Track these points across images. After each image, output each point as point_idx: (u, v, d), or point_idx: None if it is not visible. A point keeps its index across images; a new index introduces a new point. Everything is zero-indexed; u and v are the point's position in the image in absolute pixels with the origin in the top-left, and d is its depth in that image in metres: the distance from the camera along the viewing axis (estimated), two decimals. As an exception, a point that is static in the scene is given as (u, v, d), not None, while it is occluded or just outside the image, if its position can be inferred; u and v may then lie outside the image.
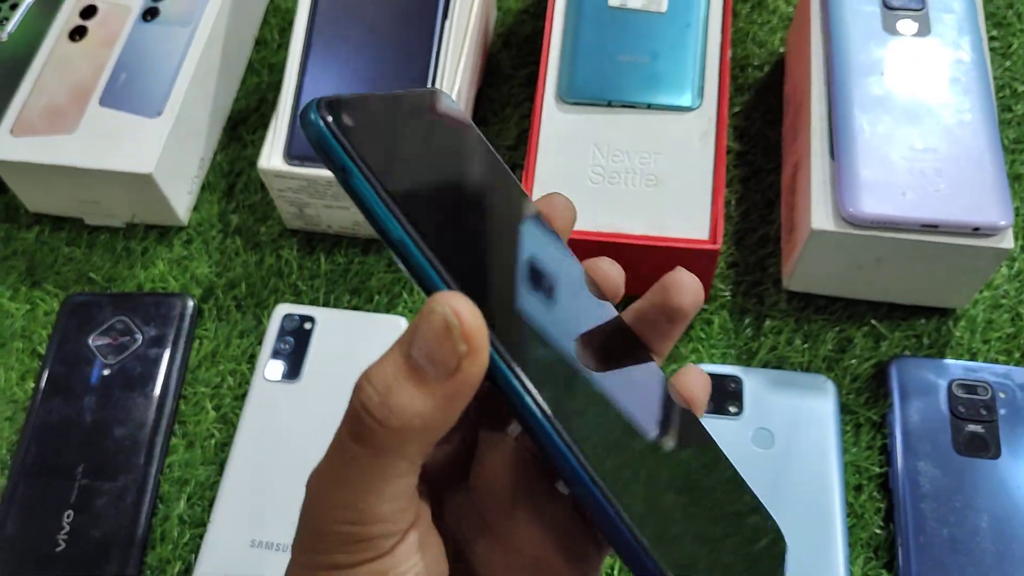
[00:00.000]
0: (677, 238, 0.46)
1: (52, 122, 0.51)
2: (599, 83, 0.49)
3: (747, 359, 0.49)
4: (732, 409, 0.46)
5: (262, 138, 0.57)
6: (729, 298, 0.51)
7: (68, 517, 0.45)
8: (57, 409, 0.47)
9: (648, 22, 0.50)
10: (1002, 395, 0.45)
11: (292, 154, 0.49)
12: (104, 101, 0.52)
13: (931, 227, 0.43)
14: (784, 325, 0.49)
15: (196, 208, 0.55)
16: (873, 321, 0.49)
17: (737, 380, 0.47)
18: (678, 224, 0.46)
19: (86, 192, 0.52)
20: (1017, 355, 0.48)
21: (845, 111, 0.46)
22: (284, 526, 0.44)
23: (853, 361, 0.48)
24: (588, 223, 0.46)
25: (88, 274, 0.53)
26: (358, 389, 0.22)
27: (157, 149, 0.50)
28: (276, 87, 0.59)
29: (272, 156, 0.49)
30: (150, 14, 0.55)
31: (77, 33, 0.55)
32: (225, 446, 0.47)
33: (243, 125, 0.58)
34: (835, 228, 0.44)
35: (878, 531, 0.44)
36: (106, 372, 0.48)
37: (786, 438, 0.45)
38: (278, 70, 0.60)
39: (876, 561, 0.43)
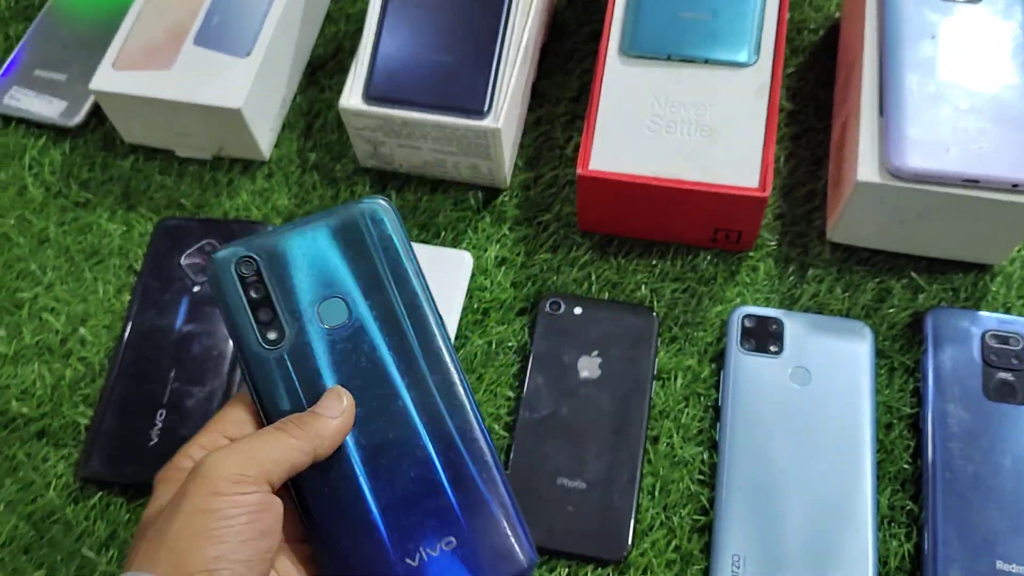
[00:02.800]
0: (728, 185, 0.49)
1: (151, 58, 0.56)
2: (660, 38, 0.52)
3: (789, 304, 0.52)
4: (772, 348, 0.49)
5: (339, 83, 0.61)
6: (775, 247, 0.53)
7: (160, 416, 0.49)
8: (151, 320, 0.52)
9: (710, -19, 0.52)
10: (1033, 346, 0.48)
11: (370, 95, 0.53)
12: (198, 41, 0.56)
13: (972, 182, 0.46)
14: (826, 274, 0.52)
15: (277, 145, 0.59)
16: (912, 274, 0.52)
17: (778, 322, 0.50)
18: (729, 172, 0.49)
19: (179, 125, 0.56)
20: (1050, 311, 0.50)
21: (896, 71, 0.49)
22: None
23: (891, 310, 0.51)
24: (644, 168, 0.49)
25: (178, 200, 0.57)
26: None
27: (246, 87, 0.54)
28: (353, 36, 0.62)
29: (351, 96, 0.53)
30: (242, -39, 0.59)
31: (175, -24, 0.59)
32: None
33: (321, 71, 0.62)
34: (880, 180, 0.47)
35: (906, 466, 0.47)
36: (195, 289, 0.53)
37: (822, 377, 0.48)
38: (355, 20, 0.63)
39: (903, 493, 0.46)
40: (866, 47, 0.51)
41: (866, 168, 0.47)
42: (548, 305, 0.52)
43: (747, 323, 0.50)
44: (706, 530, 0.46)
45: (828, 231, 0.53)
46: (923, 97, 0.47)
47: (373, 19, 0.54)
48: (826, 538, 0.44)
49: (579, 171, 0.50)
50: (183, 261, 0.54)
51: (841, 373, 0.48)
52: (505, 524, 0.36)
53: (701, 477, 0.47)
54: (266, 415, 0.35)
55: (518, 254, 0.54)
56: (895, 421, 0.48)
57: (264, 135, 0.57)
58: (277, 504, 0.33)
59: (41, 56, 0.62)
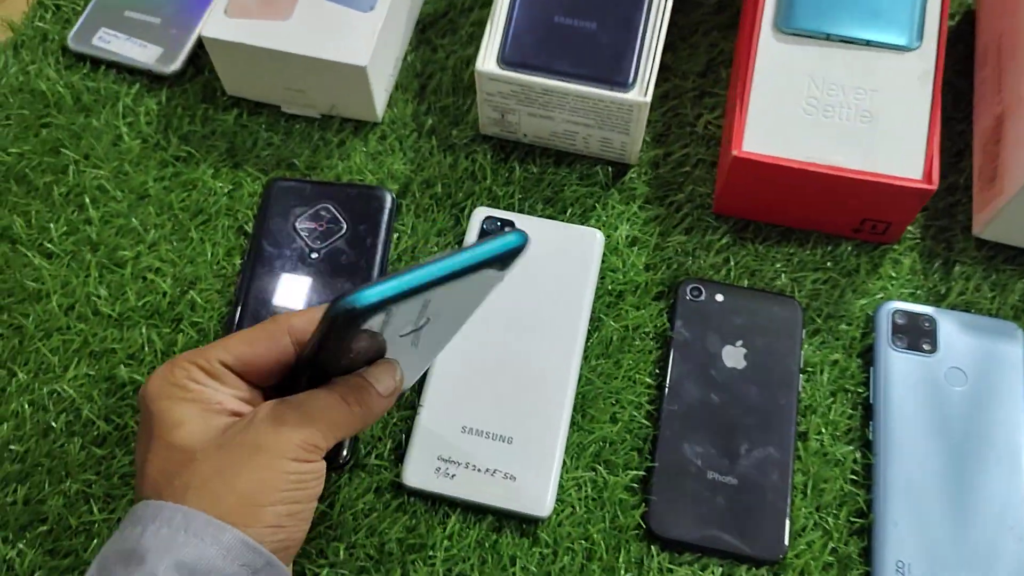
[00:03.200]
0: (891, 175, 0.47)
1: (266, 7, 0.52)
2: (819, 15, 0.49)
3: (935, 301, 0.50)
4: (925, 347, 0.47)
5: (452, 43, 0.58)
6: (918, 240, 0.52)
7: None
8: (266, 286, 0.49)
9: (873, -42, 0.50)
10: None
11: (507, 60, 0.50)
12: (318, -10, 0.53)
13: None
14: (973, 271, 0.51)
15: (390, 106, 0.56)
16: (1062, 275, 0.50)
17: (931, 319, 0.48)
18: (892, 162, 0.47)
19: (294, 80, 0.53)
20: None
21: (1068, 64, 0.47)
22: (493, 414, 0.46)
23: (1039, 312, 0.49)
24: (800, 152, 0.47)
25: (288, 160, 0.54)
26: None
27: (371, 43, 0.51)
28: (469, -7, 0.59)
29: (487, 60, 0.50)
30: (359, -93, 0.55)
31: (287, -80, 0.55)
32: (425, 337, 0.49)
33: (432, 28, 0.59)
34: (1055, 178, 0.45)
35: (1061, 473, 0.46)
36: (313, 256, 0.50)
37: (977, 378, 0.47)
38: (466, -23, 0.60)
39: (1058, 501, 0.45)
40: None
41: (1040, 165, 0.45)
42: (689, 291, 0.49)
43: (898, 319, 0.48)
44: (864, 534, 0.44)
45: (977, 228, 0.51)
46: (1101, 93, 0.46)
47: (510, -22, 0.51)
48: (991, 545, 0.43)
49: (734, 152, 0.47)
50: (298, 225, 0.51)
51: (996, 376, 0.47)
52: None
53: (854, 478, 0.46)
54: (317, 364, 0.36)
55: (650, 234, 0.52)
56: (1048, 426, 0.47)
57: (380, 95, 0.54)
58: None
59: (133, -4, 0.58)
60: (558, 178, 0.54)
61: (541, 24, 0.50)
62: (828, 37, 0.49)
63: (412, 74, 0.57)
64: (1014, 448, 0.45)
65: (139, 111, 0.55)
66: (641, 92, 0.49)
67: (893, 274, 0.51)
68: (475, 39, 0.58)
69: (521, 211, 0.53)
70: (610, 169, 0.54)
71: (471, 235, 0.51)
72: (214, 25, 0.52)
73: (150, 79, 0.57)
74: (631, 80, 0.49)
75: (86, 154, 0.54)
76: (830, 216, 0.50)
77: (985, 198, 0.50)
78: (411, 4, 0.57)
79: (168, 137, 0.55)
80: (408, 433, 0.46)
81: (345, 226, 0.50)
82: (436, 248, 0.52)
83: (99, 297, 0.50)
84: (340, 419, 0.36)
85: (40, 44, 0.58)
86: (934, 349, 0.47)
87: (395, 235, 0.52)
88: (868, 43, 0.49)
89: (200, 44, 0.57)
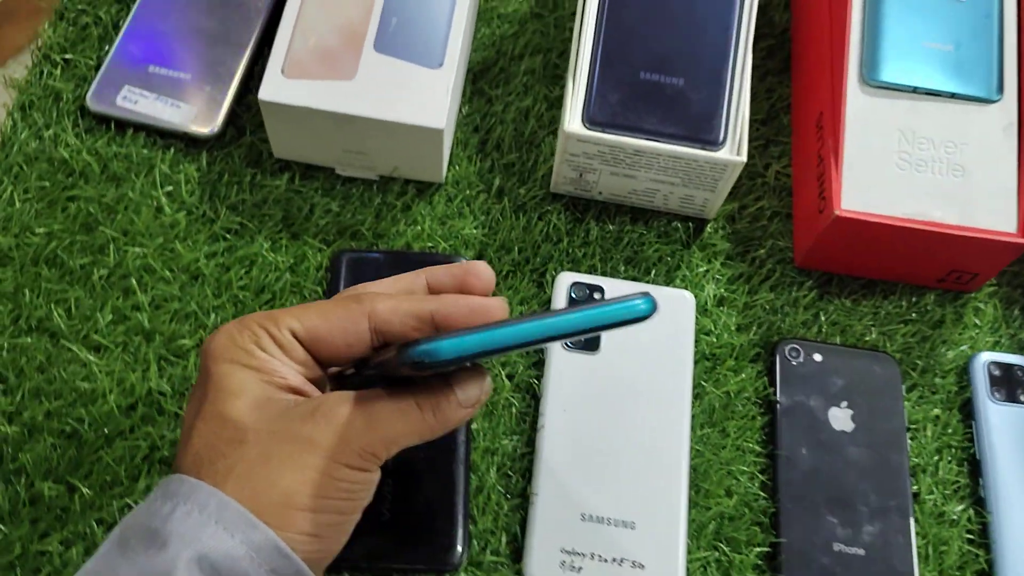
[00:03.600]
0: (988, 230, 0.47)
1: (328, 66, 0.48)
2: (905, 68, 0.49)
3: (1019, 348, 0.51)
4: (1023, 397, 0.48)
5: (506, 92, 0.55)
6: (995, 287, 0.52)
7: (387, 485, 0.43)
8: (351, 372, 0.45)
9: (949, 9, 0.50)
10: None
11: (592, 119, 0.48)
12: (379, 47, 0.49)
13: None
14: (1051, 316, 0.51)
15: (451, 164, 0.53)
16: None
17: (1024, 369, 0.49)
18: (985, 215, 0.47)
19: (359, 142, 0.49)
20: None
21: None
22: (611, 499, 0.44)
23: (1115, 354, 0.51)
24: (897, 209, 0.47)
25: (352, 228, 0.50)
26: None
27: (444, 103, 0.48)
28: (511, 39, 0.56)
29: (572, 120, 0.48)
30: (411, -46, 0.52)
31: (335, -32, 0.51)
32: (524, 416, 0.46)
33: (483, 78, 0.56)
34: None
35: None
36: None
37: (1075, 427, 0.47)
38: (508, 20, 0.57)
39: None
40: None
41: None
42: (787, 352, 0.48)
43: (993, 371, 0.49)
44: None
45: (1053, 272, 0.52)
46: None
47: (589, 33, 0.49)
48: (1113, 598, 0.44)
49: (836, 213, 0.46)
50: (380, 303, 0.47)
51: (1092, 422, 0.48)
52: None
53: (971, 536, 0.46)
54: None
55: (737, 293, 0.51)
56: None
57: (446, 155, 0.51)
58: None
59: (153, 49, 0.53)
60: (636, 236, 0.52)
61: (626, 81, 0.48)
62: (915, 90, 0.49)
63: (470, 128, 0.54)
64: (1119, 496, 0.46)
65: (178, 178, 0.51)
66: (734, 151, 0.47)
67: (978, 322, 0.51)
68: (531, 89, 0.55)
69: (604, 273, 0.51)
70: (690, 225, 0.52)
71: (558, 303, 0.48)
72: (272, 87, 0.47)
73: (186, 142, 0.52)
74: (722, 138, 0.48)
75: (124, 230, 0.49)
76: (918, 267, 0.50)
77: (1061, 244, 0.51)
78: (466, 55, 0.54)
79: (216, 207, 0.50)
80: (524, 525, 0.44)
81: None
82: (521, 318, 0.49)
83: (163, 394, 0.45)
84: (411, 428, 0.33)
85: (53, 105, 0.52)
86: (1032, 400, 0.48)
87: (477, 306, 0.49)
88: (953, 95, 0.49)
89: (239, 101, 0.52)
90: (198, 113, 0.52)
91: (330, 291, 0.48)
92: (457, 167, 0.53)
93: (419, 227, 0.51)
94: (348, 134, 0.49)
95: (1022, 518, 0.45)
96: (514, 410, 0.47)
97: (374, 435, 0.32)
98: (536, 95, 0.55)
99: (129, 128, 0.52)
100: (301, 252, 0.49)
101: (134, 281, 0.47)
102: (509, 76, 0.56)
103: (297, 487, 0.31)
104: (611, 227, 0.52)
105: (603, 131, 0.47)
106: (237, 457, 0.31)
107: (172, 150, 0.51)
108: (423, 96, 0.48)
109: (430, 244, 0.50)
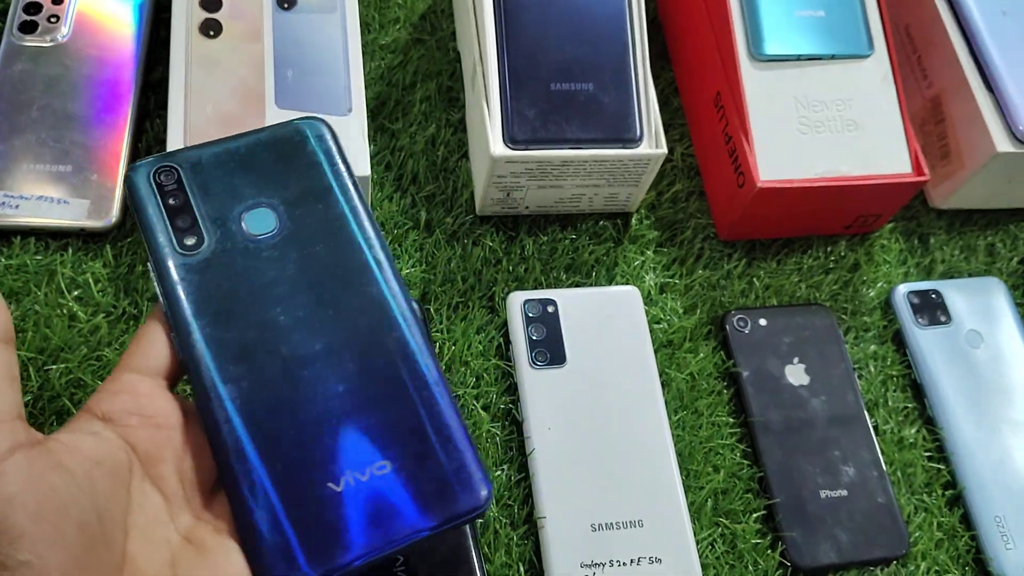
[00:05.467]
0: (889, 175, 0.51)
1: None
2: (786, 39, 0.52)
3: (926, 274, 0.55)
4: (943, 318, 0.53)
5: (408, 125, 0.54)
6: (892, 223, 0.57)
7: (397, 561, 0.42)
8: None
9: (809, -23, 0.53)
10: None
11: (515, 139, 0.48)
12: (281, 102, 0.47)
13: (1087, 139, 0.52)
14: (944, 240, 0.57)
15: (372, 208, 0.51)
16: (1009, 225, 0.58)
17: (938, 293, 0.53)
18: (883, 162, 0.51)
19: (278, 205, 0.47)
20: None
21: (987, 47, 0.53)
22: (615, 503, 0.45)
23: (1002, 262, 0.56)
24: (809, 171, 0.50)
25: (289, 294, 0.48)
26: None
27: (364, 149, 0.47)
28: (400, 69, 0.55)
29: (495, 143, 0.48)
30: (287, 2, 0.50)
31: (211, 28, 0.48)
32: (509, 443, 0.46)
33: (381, 114, 0.54)
34: (1013, 149, 0.51)
35: (1071, 396, 0.53)
36: None
37: (989, 335, 0.52)
38: (393, 50, 0.56)
39: (1078, 421, 0.52)
40: (946, 24, 0.55)
41: (1001, 140, 0.51)
42: (735, 323, 0.51)
43: (913, 299, 0.53)
44: (958, 502, 0.48)
45: (938, 200, 0.57)
46: (1019, 64, 0.53)
47: (491, 55, 0.49)
48: (1056, 478, 0.49)
49: (758, 184, 0.49)
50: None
51: (1000, 327, 0.53)
52: (450, 453, 0.31)
53: (929, 454, 0.50)
54: (176, 326, 0.32)
55: (675, 277, 0.53)
56: (1046, 359, 0.54)
57: (368, 199, 0.50)
58: None
59: (20, 143, 0.48)
60: (570, 243, 0.52)
61: (539, 95, 0.48)
62: (799, 58, 0.52)
63: (382, 167, 0.53)
64: (1038, 387, 0.51)
65: (85, 279, 0.47)
66: (652, 144, 0.49)
67: (887, 258, 0.55)
68: (431, 116, 0.55)
69: (548, 284, 0.51)
70: (618, 221, 0.53)
71: (515, 323, 0.48)
72: (178, 166, 0.44)
73: (83, 239, 0.48)
74: (639, 134, 0.49)
75: (40, 348, 0.45)
76: (829, 219, 0.54)
77: (941, 174, 0.56)
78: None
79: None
80: (538, 550, 0.44)
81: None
82: (482, 347, 0.49)
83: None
84: None
85: (-82, 226, 0.47)
86: (949, 319, 0.53)
87: (435, 345, 0.48)
88: (832, 57, 0.52)
89: (132, 184, 0.49)
90: (90, 206, 0.48)
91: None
92: (379, 209, 0.52)
93: (357, 277, 0.49)
94: (267, 198, 0.46)
95: (965, 425, 0.50)
96: (498, 440, 0.46)
97: None
98: (438, 122, 0.54)
99: (16, 236, 0.47)
100: (242, 329, 0.47)
101: (66, 401, 0.44)
102: (406, 107, 0.55)
103: None
104: (544, 238, 0.52)
105: (527, 148, 0.48)
106: None
107: (70, 250, 0.47)
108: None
109: (373, 292, 0.49)
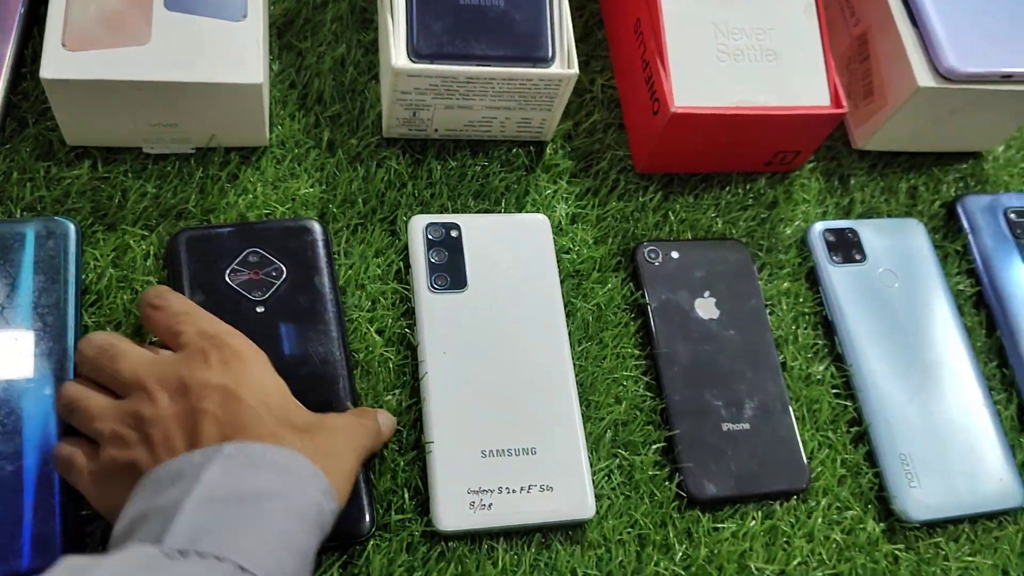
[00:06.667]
0: (806, 106, 0.49)
1: (116, 32, 0.43)
2: (705, -36, 0.50)
3: (845, 214, 0.54)
4: (857, 257, 0.52)
5: (317, 44, 0.52)
6: (813, 163, 0.56)
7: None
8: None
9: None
10: (1047, 215, 0.55)
11: (419, 53, 0.46)
12: (170, 4, 0.44)
13: (1007, 77, 0.51)
14: (865, 181, 0.56)
15: (273, 125, 0.49)
16: (932, 168, 0.57)
17: (853, 231, 0.52)
18: (803, 93, 0.50)
19: (164, 114, 0.45)
20: (1037, 184, 0.58)
21: (914, -19, 0.52)
22: (508, 430, 0.43)
23: (923, 205, 0.56)
24: (725, 99, 0.49)
25: (176, 208, 0.46)
26: None
27: (257, 56, 0.44)
28: (320, -15, 0.53)
29: (398, 56, 0.46)
30: (184, -100, 0.47)
31: (99, -76, 0.45)
32: (403, 368, 0.45)
33: (289, 31, 0.52)
34: (935, 84, 0.50)
35: (985, 340, 0.52)
36: (260, 309, 0.43)
37: (905, 274, 0.52)
38: (306, -33, 0.54)
39: (991, 363, 0.51)
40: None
41: (922, 75, 0.50)
42: (646, 255, 0.49)
43: (829, 237, 0.52)
44: (863, 439, 0.48)
45: (860, 141, 0.56)
46: (953, 4, 0.51)
47: (395, -38, 0.47)
48: (962, 416, 0.48)
49: (672, 110, 0.47)
50: (229, 279, 0.43)
51: (916, 268, 0.52)
52: None
53: (837, 391, 0.49)
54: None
55: (587, 207, 0.51)
56: (962, 303, 0.53)
57: (267, 115, 0.47)
58: None
59: None
60: (480, 169, 0.51)
61: (447, 9, 0.46)
62: (718, -15, 0.50)
63: (286, 85, 0.51)
64: (950, 326, 0.51)
65: (-42, 185, 0.44)
66: (564, 64, 0.47)
67: (806, 197, 0.54)
68: (341, 36, 0.52)
69: (455, 210, 0.49)
70: (531, 149, 0.52)
71: (415, 246, 0.47)
72: (55, 63, 0.42)
73: (-42, 143, 0.45)
74: (551, 54, 0.47)
75: (-96, 253, 0.42)
76: (746, 156, 0.53)
77: (864, 113, 0.55)
78: (266, 6, 0.50)
79: (10, 211, 0.44)
80: (424, 476, 0.42)
81: (284, 268, 0.44)
82: (380, 271, 0.47)
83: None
84: (374, 441, 0.41)
85: None
86: (864, 257, 0.52)
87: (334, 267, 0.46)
88: (752, -15, 0.51)
89: (13, 90, 0.46)
90: (-34, 109, 0.45)
91: (173, 277, 0.43)
92: (280, 127, 0.49)
93: (251, 195, 0.47)
94: (152, 105, 0.44)
95: (875, 363, 0.49)
96: (391, 364, 0.45)
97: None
98: (349, 42, 0.52)
99: None
100: (122, 243, 0.44)
101: (-70, 308, 0.41)
102: (316, 26, 0.52)
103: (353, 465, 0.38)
104: (453, 164, 0.50)
105: (432, 63, 0.46)
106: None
107: (-57, 155, 0.45)
108: (232, 52, 0.44)
109: (266, 211, 0.47)
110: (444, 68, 0.45)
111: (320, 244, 0.45)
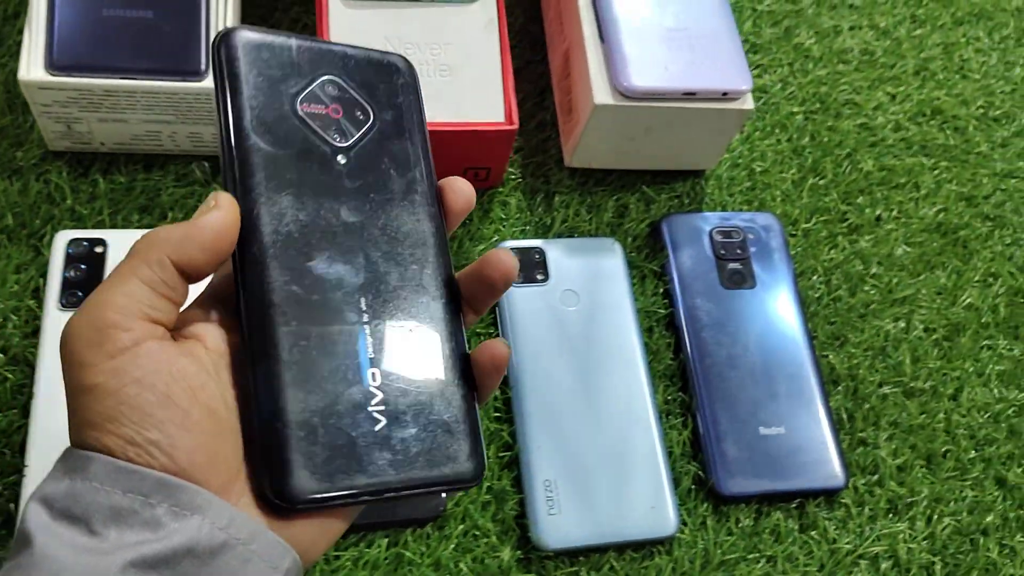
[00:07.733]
0: (478, 122, 0.49)
1: None
2: (380, -23, 0.49)
3: (544, 232, 0.53)
4: (540, 277, 0.51)
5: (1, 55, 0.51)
6: (520, 180, 0.55)
7: None
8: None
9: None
10: (751, 236, 0.54)
11: (56, 65, 0.45)
12: None
13: (690, 94, 0.50)
14: (571, 199, 0.55)
15: (-70, 136, 0.48)
16: (644, 187, 0.56)
17: (540, 251, 0.51)
18: (476, 109, 0.49)
19: None
20: (755, 203, 0.57)
21: (608, 1, 0.51)
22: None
23: (631, 223, 0.55)
24: (389, 116, 0.48)
25: None
26: None
27: None
28: (4, -5, 0.52)
29: (32, 67, 0.44)
30: None
31: None
32: (23, 387, 0.43)
33: (-31, 40, 0.51)
34: (613, 102, 0.50)
35: (671, 362, 0.51)
36: (341, 160, 0.30)
37: (588, 295, 0.51)
38: (0, -24, 0.53)
39: (673, 386, 0.51)
40: (574, -23, 0.53)
41: (600, 92, 0.50)
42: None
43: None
44: (514, 464, 0.46)
45: (566, 157, 0.55)
46: (637, 21, 0.51)
47: (38, -27, 0.46)
48: (621, 442, 0.47)
49: (323, 125, 0.46)
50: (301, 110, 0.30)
51: (603, 289, 0.51)
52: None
53: (498, 414, 0.48)
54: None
55: (264, 224, 0.50)
56: (654, 324, 0.52)
57: (-89, 125, 0.46)
58: None
59: None
60: (151, 183, 0.50)
61: (90, 19, 0.46)
62: (392, -1, 0.50)
63: (-48, 95, 0.50)
64: (629, 349, 0.50)
65: None
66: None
67: (503, 215, 0.53)
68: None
69: (114, 225, 0.48)
70: (206, 164, 0.51)
71: (54, 262, 0.45)
72: None
73: None
74: (204, 67, 0.46)
75: None
76: (438, 171, 0.52)
77: (567, 129, 0.54)
78: (-70, 15, 0.49)
79: None
80: (16, 501, 0.41)
81: (372, 112, 0.32)
82: (18, 286, 0.45)
83: None
84: None
85: None
86: (547, 277, 0.51)
87: (-34, 281, 0.45)
88: (433, 0, 0.50)
89: None
90: None
91: (224, 91, 0.29)
92: (-63, 138, 0.48)
93: None
94: None
95: (539, 386, 0.47)
96: (9, 384, 0.43)
97: None
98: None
99: None
100: None
101: None
102: (2, 37, 0.51)
103: None
104: (122, 179, 0.49)
105: (68, 75, 0.45)
106: None
107: None
108: None
109: (-95, 224, 0.46)
110: (78, 81, 0.44)
111: (414, 91, 0.35)
